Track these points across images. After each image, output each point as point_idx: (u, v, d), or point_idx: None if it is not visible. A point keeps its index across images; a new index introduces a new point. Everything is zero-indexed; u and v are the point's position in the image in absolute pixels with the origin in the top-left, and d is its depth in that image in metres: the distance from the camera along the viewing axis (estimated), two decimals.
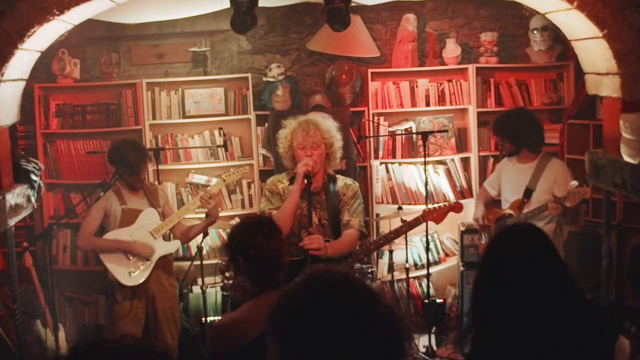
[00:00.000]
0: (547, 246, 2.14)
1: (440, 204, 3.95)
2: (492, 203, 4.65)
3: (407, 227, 3.86)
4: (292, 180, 3.71)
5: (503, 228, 2.32)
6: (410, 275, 5.13)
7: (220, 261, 5.28)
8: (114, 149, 4.35)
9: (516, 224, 2.56)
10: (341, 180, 3.78)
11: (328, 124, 3.74)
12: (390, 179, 5.56)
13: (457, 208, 3.98)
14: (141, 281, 4.17)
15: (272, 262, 2.50)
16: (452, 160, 5.62)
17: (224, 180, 4.44)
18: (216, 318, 4.84)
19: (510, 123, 4.26)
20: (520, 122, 4.24)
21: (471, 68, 5.52)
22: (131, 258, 4.21)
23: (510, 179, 4.37)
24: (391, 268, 5.10)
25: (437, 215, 3.91)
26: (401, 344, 1.40)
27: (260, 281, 2.50)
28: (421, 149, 5.12)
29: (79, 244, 4.38)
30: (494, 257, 2.17)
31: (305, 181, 3.51)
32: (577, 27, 3.47)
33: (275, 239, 2.53)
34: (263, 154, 5.54)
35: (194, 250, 5.47)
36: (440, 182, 5.58)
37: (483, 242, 4.51)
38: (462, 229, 5.11)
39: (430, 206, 3.97)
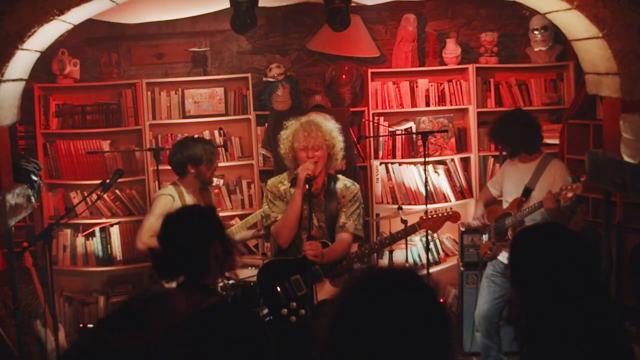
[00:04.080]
0: (571, 247, 2.12)
1: (438, 213, 3.90)
2: (494, 203, 4.65)
3: (403, 233, 3.85)
4: (293, 182, 3.71)
5: (526, 228, 2.32)
6: None
7: None
8: (179, 146, 4.07)
9: (541, 224, 2.55)
10: (341, 182, 3.77)
11: (330, 125, 3.73)
12: (390, 179, 5.57)
13: (454, 217, 3.95)
14: None
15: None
16: (452, 160, 5.62)
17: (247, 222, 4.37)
18: None
19: (505, 128, 4.25)
20: (515, 126, 4.23)
21: (471, 68, 5.52)
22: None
23: (512, 179, 4.37)
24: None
25: (433, 224, 3.88)
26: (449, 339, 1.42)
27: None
28: (421, 149, 5.12)
29: (139, 246, 3.96)
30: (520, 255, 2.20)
31: (307, 186, 3.51)
32: (577, 27, 3.47)
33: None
34: (263, 154, 5.54)
35: None
36: (440, 182, 5.58)
37: (483, 241, 4.51)
38: (462, 229, 5.11)
39: (427, 213, 3.92)
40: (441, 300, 1.45)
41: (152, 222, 3.94)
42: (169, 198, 3.98)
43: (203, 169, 4.08)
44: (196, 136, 4.50)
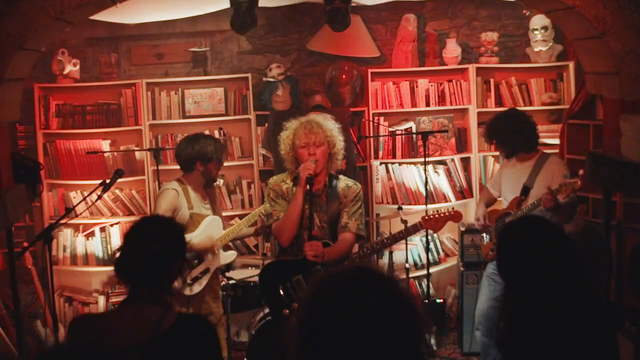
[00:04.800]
0: (550, 239, 2.14)
1: (440, 212, 3.89)
2: (495, 203, 4.64)
3: (404, 233, 3.84)
4: (295, 181, 3.70)
5: (511, 221, 2.34)
6: (410, 275, 5.13)
7: None
8: (190, 141, 4.07)
9: (523, 217, 2.58)
10: (343, 182, 3.76)
11: (330, 124, 3.73)
12: (390, 179, 5.57)
13: (456, 217, 3.93)
14: (198, 291, 3.98)
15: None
16: (452, 160, 5.62)
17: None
18: None
19: (501, 129, 4.24)
20: (509, 126, 4.22)
21: (471, 68, 5.52)
22: (193, 267, 3.96)
23: (510, 178, 4.37)
24: (391, 268, 5.10)
25: (435, 224, 3.86)
26: (420, 334, 1.41)
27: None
28: (421, 149, 5.12)
29: None
30: (504, 251, 2.23)
31: (308, 186, 3.51)
32: (577, 27, 3.47)
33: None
34: (263, 154, 5.54)
35: None
36: (440, 182, 5.58)
37: (484, 242, 4.51)
38: (462, 229, 5.11)
39: (429, 213, 3.91)
40: (401, 288, 1.45)
41: None
42: (174, 192, 3.98)
43: (211, 167, 4.08)
44: (207, 132, 4.46)
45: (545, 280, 2.07)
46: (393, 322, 1.37)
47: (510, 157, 4.32)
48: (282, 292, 3.60)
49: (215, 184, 4.35)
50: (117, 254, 2.34)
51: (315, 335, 1.37)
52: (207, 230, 4.02)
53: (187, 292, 3.92)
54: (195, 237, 3.93)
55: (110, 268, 5.38)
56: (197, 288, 3.97)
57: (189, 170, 4.08)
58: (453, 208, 3.96)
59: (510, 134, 4.22)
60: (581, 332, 2.02)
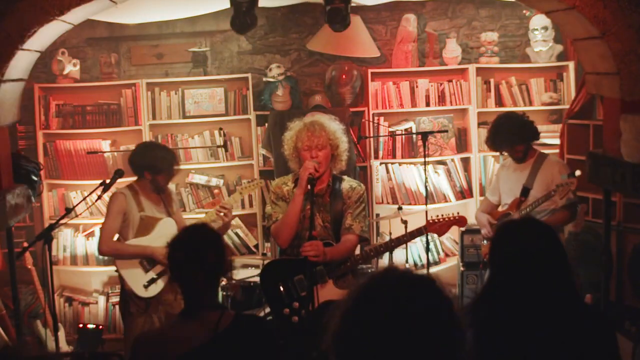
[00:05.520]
0: (547, 241, 2.15)
1: (444, 217, 3.88)
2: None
3: (408, 236, 3.83)
4: (297, 182, 3.70)
5: (506, 222, 2.35)
6: None
7: None
8: (143, 150, 4.13)
9: (520, 219, 2.58)
10: (347, 183, 3.75)
11: (334, 125, 3.72)
12: (390, 179, 5.57)
13: (461, 222, 3.92)
14: (156, 293, 3.98)
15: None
16: (452, 160, 5.62)
17: (240, 193, 4.39)
18: None
19: (512, 128, 4.24)
20: (514, 128, 4.24)
21: (471, 68, 5.52)
22: (148, 269, 4.00)
23: (508, 180, 4.37)
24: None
25: (439, 228, 3.85)
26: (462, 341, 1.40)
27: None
28: (421, 149, 5.12)
29: (102, 249, 4.05)
30: (495, 250, 2.22)
31: (309, 186, 3.50)
32: (577, 27, 3.48)
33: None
34: (263, 154, 5.54)
35: None
36: (440, 182, 5.58)
37: (485, 243, 4.51)
38: (462, 229, 5.10)
39: (434, 217, 3.90)
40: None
41: (111, 224, 3.99)
42: (122, 196, 4.01)
43: (159, 179, 4.07)
44: (161, 143, 4.46)
45: (532, 278, 2.08)
46: (439, 337, 1.34)
47: (523, 160, 4.30)
48: (282, 291, 3.59)
49: (166, 192, 4.31)
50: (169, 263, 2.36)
51: (361, 325, 1.34)
52: (160, 231, 4.03)
53: (143, 294, 3.95)
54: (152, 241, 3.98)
55: (110, 268, 5.44)
56: (154, 289, 3.98)
57: (139, 176, 4.10)
58: (458, 213, 3.93)
59: (520, 128, 4.23)
60: (563, 327, 2.03)
